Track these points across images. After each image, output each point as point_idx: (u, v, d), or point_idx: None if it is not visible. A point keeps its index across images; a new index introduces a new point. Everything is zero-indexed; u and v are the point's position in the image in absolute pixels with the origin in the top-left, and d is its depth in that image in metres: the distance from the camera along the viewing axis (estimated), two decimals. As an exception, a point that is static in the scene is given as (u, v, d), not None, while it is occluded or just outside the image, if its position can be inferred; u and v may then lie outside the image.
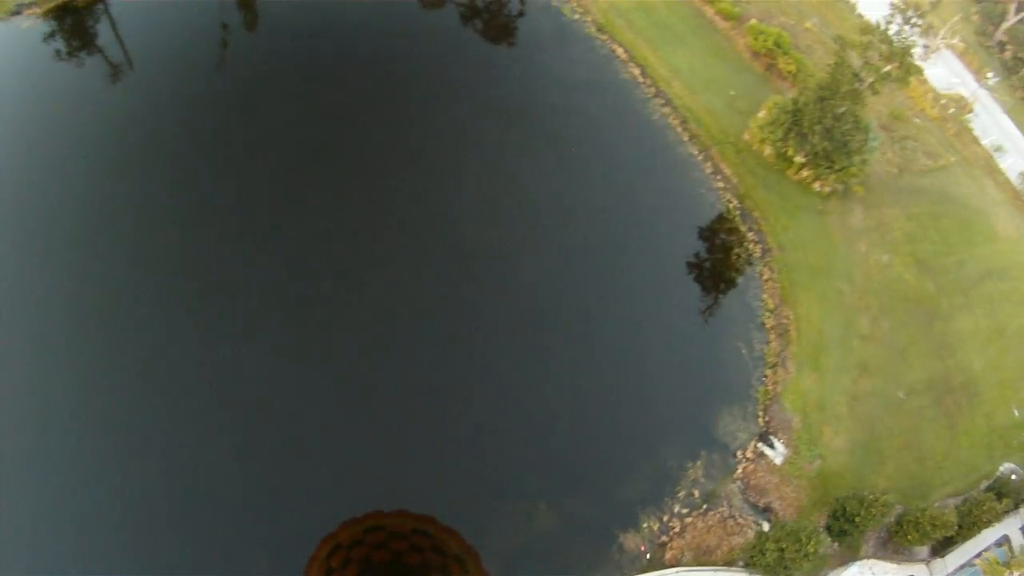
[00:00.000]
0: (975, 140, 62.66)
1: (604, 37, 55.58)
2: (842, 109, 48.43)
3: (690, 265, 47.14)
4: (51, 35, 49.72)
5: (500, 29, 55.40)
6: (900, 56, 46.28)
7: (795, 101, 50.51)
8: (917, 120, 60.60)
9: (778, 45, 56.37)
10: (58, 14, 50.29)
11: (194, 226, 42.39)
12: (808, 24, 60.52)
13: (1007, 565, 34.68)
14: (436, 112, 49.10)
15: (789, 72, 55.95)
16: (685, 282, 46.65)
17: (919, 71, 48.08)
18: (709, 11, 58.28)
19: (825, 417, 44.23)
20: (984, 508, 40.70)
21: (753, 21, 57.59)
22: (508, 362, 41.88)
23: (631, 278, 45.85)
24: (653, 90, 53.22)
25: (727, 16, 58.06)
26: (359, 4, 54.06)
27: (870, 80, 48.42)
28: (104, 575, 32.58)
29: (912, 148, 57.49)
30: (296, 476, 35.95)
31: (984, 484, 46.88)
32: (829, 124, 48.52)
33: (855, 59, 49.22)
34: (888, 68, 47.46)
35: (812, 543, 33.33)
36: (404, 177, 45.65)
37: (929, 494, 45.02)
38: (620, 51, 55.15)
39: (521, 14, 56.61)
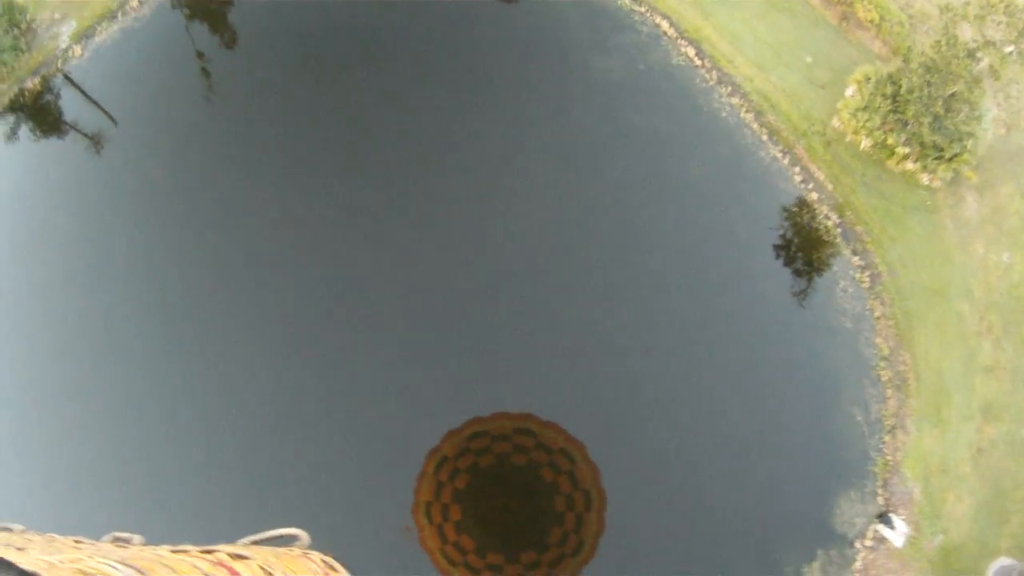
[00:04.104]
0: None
1: (641, 9, 43.30)
2: (953, 90, 38.41)
3: (789, 315, 38.81)
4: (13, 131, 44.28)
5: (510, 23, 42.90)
6: None
7: (892, 78, 40.11)
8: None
9: (855, -14, 44.57)
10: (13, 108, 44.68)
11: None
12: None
13: None
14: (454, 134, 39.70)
15: (870, 21, 44.56)
16: (785, 339, 38.67)
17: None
18: (764, -55, 45.54)
19: (948, 481, 38.46)
20: None
21: (822, -45, 45.23)
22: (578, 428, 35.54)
23: (721, 341, 37.83)
24: (715, 75, 42.01)
25: (788, -50, 45.49)
26: None
27: (987, 61, 38.09)
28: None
29: (1017, 94, 47.31)
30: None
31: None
32: (939, 112, 38.63)
33: (968, 31, 38.69)
34: (1011, 48, 37.10)
35: None
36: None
37: (1056, 539, 40.35)
38: (665, 25, 43.15)
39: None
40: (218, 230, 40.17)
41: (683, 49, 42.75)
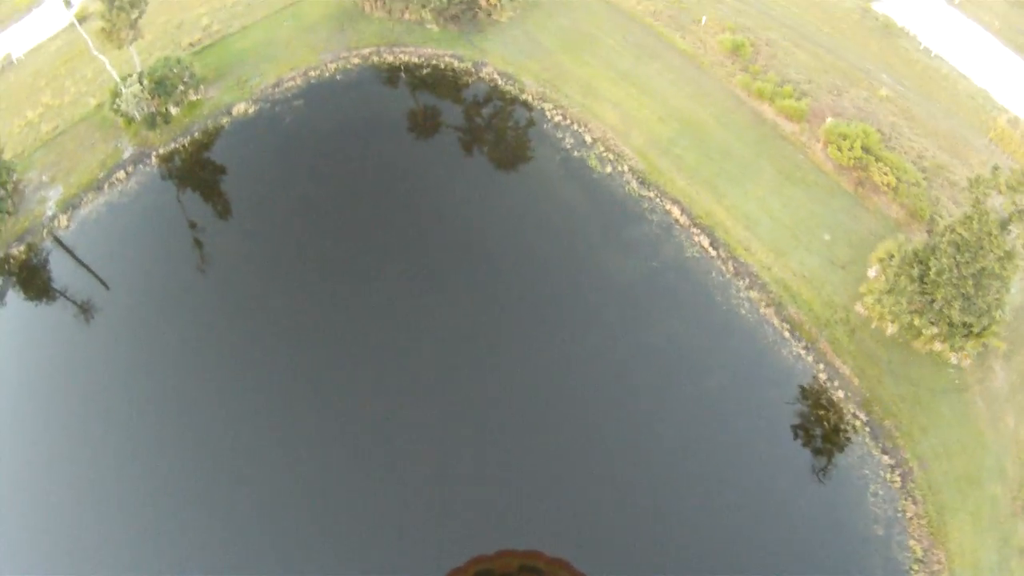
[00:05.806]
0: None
1: (651, 194, 42.03)
2: (982, 265, 37.29)
3: (820, 531, 37.99)
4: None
5: (519, 219, 41.32)
6: None
7: (918, 256, 38.91)
8: None
9: (866, 150, 43.05)
10: None
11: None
12: (882, 92, 46.31)
13: None
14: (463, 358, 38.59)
15: (887, 185, 43.17)
16: (817, 556, 37.68)
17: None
18: (768, 111, 44.08)
19: (997, 676, 37.91)
20: None
21: (829, 120, 43.72)
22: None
23: (752, 561, 36.89)
24: (731, 266, 40.76)
25: (792, 115, 43.97)
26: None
27: (1020, 231, 36.92)
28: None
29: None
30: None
31: None
32: (968, 291, 37.51)
33: (997, 200, 37.44)
34: None
35: None
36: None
37: None
38: (676, 211, 41.83)
39: (529, 165, 42.08)
40: (213, 397, 39.46)
41: (696, 238, 41.38)
